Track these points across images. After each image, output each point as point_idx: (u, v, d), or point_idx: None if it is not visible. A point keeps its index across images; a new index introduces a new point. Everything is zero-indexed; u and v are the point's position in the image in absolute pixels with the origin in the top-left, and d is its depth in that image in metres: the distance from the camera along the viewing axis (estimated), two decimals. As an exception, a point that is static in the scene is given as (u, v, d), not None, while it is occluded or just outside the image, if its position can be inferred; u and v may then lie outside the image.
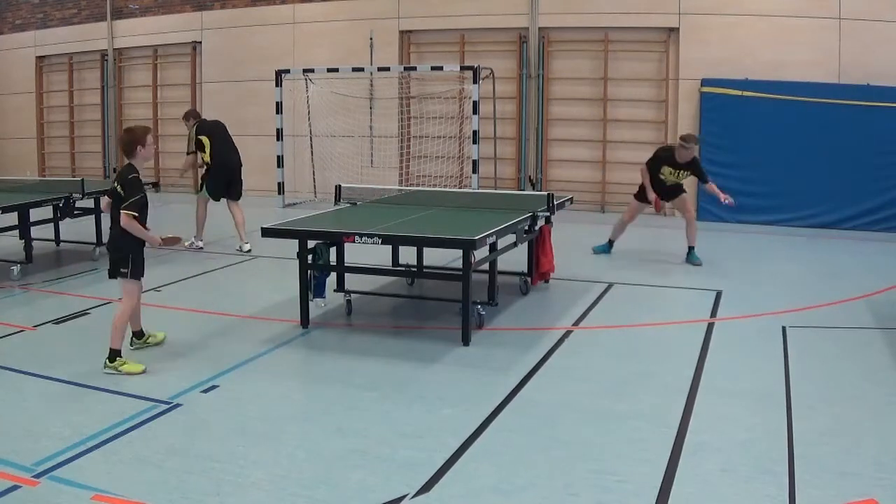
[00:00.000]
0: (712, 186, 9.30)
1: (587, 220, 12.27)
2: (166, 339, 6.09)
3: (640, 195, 9.43)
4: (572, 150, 13.59)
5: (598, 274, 8.57)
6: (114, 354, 5.41)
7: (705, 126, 12.50)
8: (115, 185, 5.58)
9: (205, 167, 10.33)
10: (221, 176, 10.18)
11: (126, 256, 5.63)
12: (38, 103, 17.69)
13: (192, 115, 10.51)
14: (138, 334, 5.94)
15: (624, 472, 3.95)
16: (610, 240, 9.71)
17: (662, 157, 9.21)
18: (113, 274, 5.77)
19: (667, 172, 9.18)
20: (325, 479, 3.89)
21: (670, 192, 9.39)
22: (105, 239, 9.43)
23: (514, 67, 13.80)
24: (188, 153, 10.42)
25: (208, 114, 15.04)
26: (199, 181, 10.82)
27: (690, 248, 9.31)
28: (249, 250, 9.95)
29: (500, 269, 7.03)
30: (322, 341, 6.29)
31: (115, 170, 16.97)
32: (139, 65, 16.74)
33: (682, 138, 9.07)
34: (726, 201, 9.14)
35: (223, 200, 10.36)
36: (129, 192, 5.52)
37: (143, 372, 5.40)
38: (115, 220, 5.60)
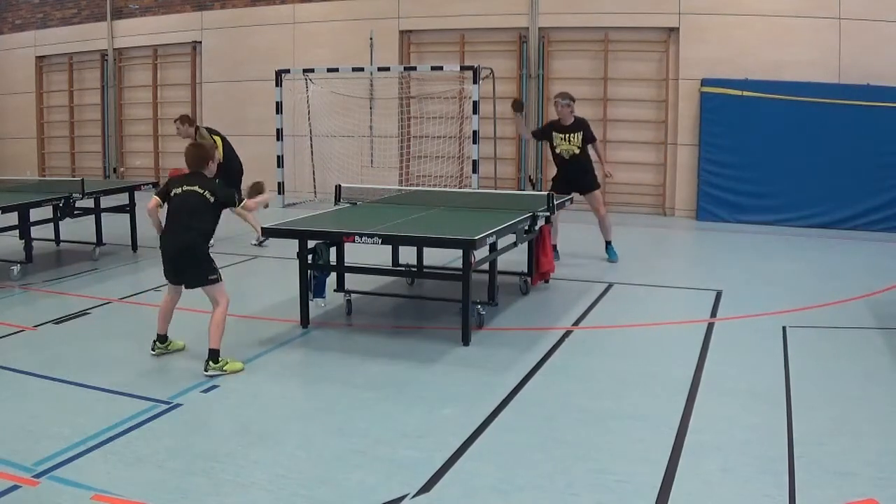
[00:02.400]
0: (598, 149, 9.24)
1: (587, 220, 12.25)
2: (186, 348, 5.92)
3: (557, 186, 9.00)
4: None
5: (598, 274, 8.57)
6: (216, 355, 5.39)
7: (705, 126, 12.50)
8: (204, 192, 5.48)
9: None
10: (233, 176, 10.32)
11: (210, 262, 5.53)
12: (38, 103, 17.69)
13: (191, 120, 10.55)
14: (162, 338, 5.80)
15: (624, 472, 3.95)
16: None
17: (550, 126, 9.16)
18: (198, 282, 5.54)
19: (559, 140, 8.98)
20: (325, 479, 3.89)
21: (575, 177, 9.00)
22: (104, 238, 9.55)
23: (514, 67, 13.80)
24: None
25: (208, 114, 15.12)
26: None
27: (608, 244, 9.23)
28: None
29: (500, 269, 7.03)
30: (322, 341, 6.29)
31: (114, 170, 17.00)
32: (139, 65, 16.73)
33: (557, 95, 9.05)
34: (607, 173, 9.20)
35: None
36: (226, 191, 5.65)
37: (243, 369, 5.44)
38: (191, 227, 5.46)
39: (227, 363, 5.41)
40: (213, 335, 5.41)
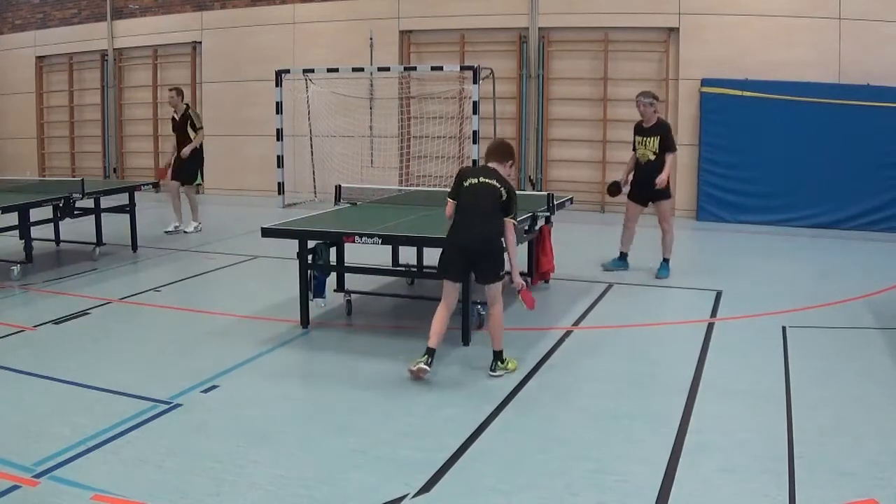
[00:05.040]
0: (670, 162, 8.30)
1: (587, 220, 12.27)
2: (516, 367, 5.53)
3: (632, 193, 8.64)
4: (572, 150, 13.58)
5: (598, 274, 8.57)
6: (501, 355, 5.37)
7: (705, 126, 12.50)
8: (501, 187, 5.32)
9: (189, 151, 11.02)
10: (202, 164, 11.30)
11: (503, 258, 5.42)
12: (38, 103, 17.68)
13: (184, 95, 11.22)
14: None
15: (624, 472, 3.95)
16: (622, 252, 8.83)
17: (635, 126, 8.53)
18: (492, 278, 5.36)
19: (638, 143, 8.45)
20: (325, 479, 3.89)
21: (648, 188, 8.35)
22: (104, 238, 9.55)
23: (514, 67, 13.80)
24: (200, 128, 11.10)
25: (208, 114, 15.12)
26: (189, 170, 11.06)
27: (664, 260, 8.56)
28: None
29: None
30: (322, 341, 6.29)
31: (114, 169, 17.00)
32: (139, 65, 16.73)
33: (639, 93, 8.39)
34: (660, 183, 8.21)
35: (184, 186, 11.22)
36: (516, 201, 5.41)
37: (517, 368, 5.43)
38: (490, 222, 5.31)
39: (509, 361, 5.42)
40: (497, 336, 5.37)
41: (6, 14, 17.96)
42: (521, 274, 7.65)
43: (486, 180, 5.34)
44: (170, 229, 10.95)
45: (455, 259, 5.37)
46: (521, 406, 4.88)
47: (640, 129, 8.47)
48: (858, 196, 11.66)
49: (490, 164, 5.48)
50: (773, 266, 9.20)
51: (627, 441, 4.35)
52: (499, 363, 5.38)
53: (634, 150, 8.55)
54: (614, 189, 8.69)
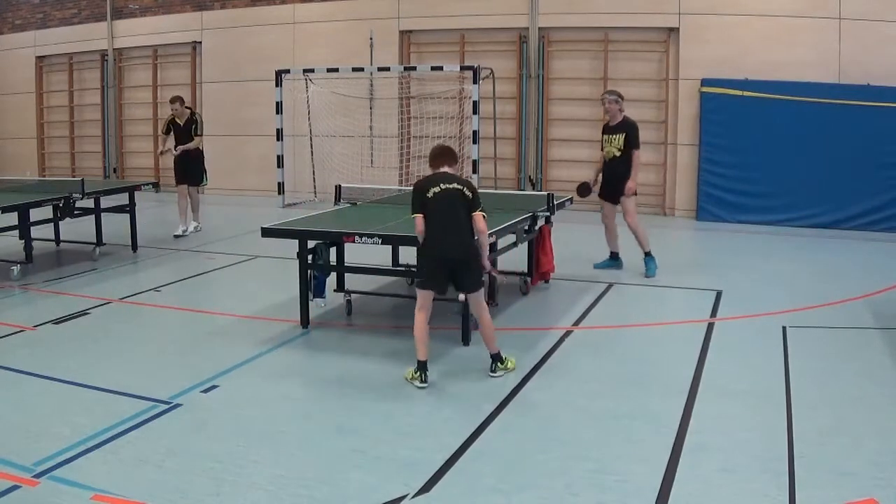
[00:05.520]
0: (635, 159, 8.36)
1: (587, 220, 12.26)
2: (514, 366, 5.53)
3: (602, 191, 8.66)
4: (572, 150, 13.57)
5: (598, 274, 8.57)
6: (499, 356, 5.38)
7: (705, 126, 12.50)
8: (462, 188, 5.28)
9: (181, 151, 10.95)
10: (203, 164, 11.26)
11: (480, 264, 5.37)
12: (38, 103, 17.68)
13: (184, 101, 11.01)
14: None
15: (624, 472, 3.95)
16: (612, 252, 8.85)
17: (603, 127, 8.63)
18: (475, 285, 5.38)
19: (605, 141, 8.56)
20: (325, 479, 3.90)
21: (613, 185, 8.47)
22: (104, 238, 9.55)
23: (514, 67, 13.80)
24: (198, 135, 10.99)
25: (208, 114, 15.13)
26: (196, 171, 11.02)
27: (645, 255, 8.52)
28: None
29: (500, 269, 7.02)
30: (322, 341, 6.29)
31: (114, 170, 17.00)
32: (139, 65, 16.73)
33: (604, 92, 8.50)
34: (626, 189, 8.31)
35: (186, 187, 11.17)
36: (478, 196, 5.37)
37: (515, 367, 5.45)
38: (462, 225, 5.28)
39: (509, 361, 5.44)
40: (491, 340, 5.37)
41: (6, 14, 17.96)
42: (522, 274, 7.76)
43: (449, 186, 5.28)
44: (178, 233, 10.81)
45: (437, 271, 5.32)
46: (521, 406, 4.88)
47: (606, 128, 8.64)
48: (858, 196, 11.66)
49: (442, 169, 5.43)
50: (773, 266, 9.20)
51: (627, 441, 4.35)
52: (498, 364, 5.39)
53: (602, 149, 8.69)
54: (584, 190, 8.70)
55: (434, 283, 5.34)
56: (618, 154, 8.44)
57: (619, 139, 8.43)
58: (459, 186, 5.30)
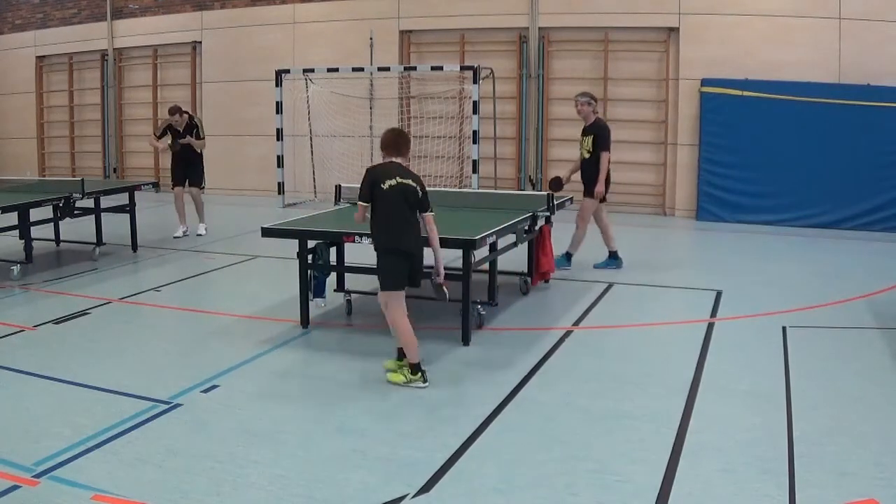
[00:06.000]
0: (603, 162, 8.37)
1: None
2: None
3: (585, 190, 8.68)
4: (572, 150, 13.46)
5: (598, 274, 8.57)
6: (416, 368, 5.18)
7: (705, 126, 12.50)
8: (416, 185, 5.17)
9: (192, 154, 10.93)
10: (202, 163, 11.23)
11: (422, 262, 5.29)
12: (38, 103, 17.68)
13: (181, 111, 10.89)
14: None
15: (624, 472, 3.95)
16: (610, 251, 8.84)
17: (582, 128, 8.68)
18: (419, 280, 5.32)
19: (580, 142, 8.65)
20: (325, 479, 3.89)
21: (584, 184, 8.61)
22: (104, 238, 9.55)
23: (514, 67, 13.80)
24: (202, 137, 10.96)
25: (208, 114, 15.15)
26: (198, 172, 10.99)
27: (568, 255, 8.69)
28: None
29: (500, 269, 7.03)
30: (322, 341, 6.29)
31: (114, 169, 17.00)
32: (139, 65, 16.74)
33: (577, 94, 8.57)
34: (596, 192, 8.38)
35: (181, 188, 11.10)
36: (427, 197, 5.25)
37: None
38: (414, 224, 5.20)
39: (420, 375, 5.20)
40: (409, 351, 5.22)
41: (6, 14, 17.96)
42: (522, 274, 7.76)
43: (404, 181, 5.13)
44: (178, 234, 10.75)
45: (403, 268, 5.19)
46: (522, 406, 4.88)
47: (583, 128, 8.71)
48: (858, 196, 11.66)
49: (395, 160, 5.26)
50: (773, 266, 9.20)
51: (627, 441, 4.34)
52: (409, 374, 5.16)
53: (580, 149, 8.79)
54: (555, 184, 8.70)
55: (402, 281, 5.23)
56: (587, 156, 8.58)
57: (588, 141, 8.57)
58: (414, 184, 5.19)
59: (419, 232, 5.26)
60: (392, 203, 5.11)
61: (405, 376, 5.18)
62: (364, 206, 5.19)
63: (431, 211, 5.30)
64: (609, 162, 8.54)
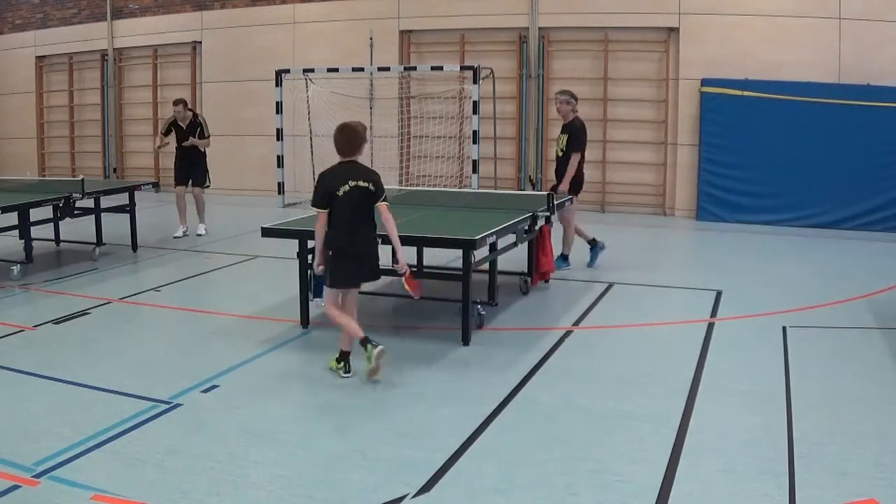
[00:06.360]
0: (572, 161, 8.37)
1: (587, 220, 12.23)
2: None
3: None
4: (572, 150, 13.56)
5: (598, 274, 8.57)
6: (341, 356, 5.39)
7: (705, 126, 12.50)
8: (368, 185, 5.22)
9: (195, 153, 10.91)
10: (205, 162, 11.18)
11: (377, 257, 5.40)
12: (38, 103, 17.68)
13: (186, 104, 10.92)
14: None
15: (624, 472, 3.95)
16: (588, 242, 8.85)
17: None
18: (378, 275, 5.52)
19: (558, 139, 8.64)
20: (325, 479, 3.89)
21: (557, 183, 8.63)
22: (104, 238, 9.55)
23: (514, 67, 13.80)
24: (207, 136, 10.95)
25: (208, 114, 15.10)
26: (202, 172, 10.96)
27: (563, 256, 8.67)
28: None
29: (500, 269, 7.03)
30: (322, 341, 6.29)
31: (114, 169, 17.01)
32: (139, 65, 16.74)
33: (557, 92, 8.63)
34: (560, 190, 8.34)
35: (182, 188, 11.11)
36: (383, 189, 5.33)
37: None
38: (368, 220, 5.30)
39: (345, 365, 5.38)
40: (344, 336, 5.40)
41: (6, 14, 17.96)
42: (522, 274, 7.75)
43: (358, 183, 5.20)
44: (178, 234, 10.74)
45: (354, 268, 5.34)
46: (522, 406, 4.88)
47: (561, 127, 8.73)
48: (858, 196, 11.66)
49: (347, 160, 5.31)
50: (773, 266, 9.20)
51: (627, 441, 4.34)
52: (344, 362, 5.34)
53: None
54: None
55: (351, 280, 5.39)
56: (560, 154, 8.60)
57: (563, 140, 8.58)
58: (366, 183, 5.23)
59: (374, 232, 5.37)
60: (347, 208, 5.20)
61: (333, 363, 5.37)
62: (323, 214, 5.26)
63: (385, 200, 5.35)
64: (581, 162, 8.54)
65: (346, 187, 5.18)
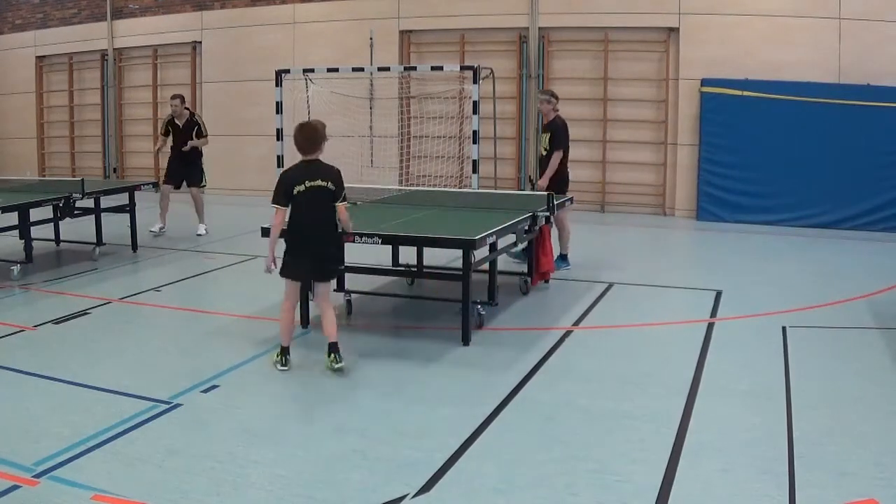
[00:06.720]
0: (553, 160, 8.43)
1: (587, 220, 12.26)
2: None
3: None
4: (572, 150, 13.32)
5: (598, 274, 8.57)
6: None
7: (705, 126, 12.49)
8: (326, 183, 5.33)
9: (192, 153, 10.95)
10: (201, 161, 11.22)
11: (343, 251, 5.51)
12: (38, 103, 17.67)
13: (185, 101, 10.98)
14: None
15: (624, 472, 3.95)
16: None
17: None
18: (332, 274, 5.64)
19: (540, 138, 8.71)
20: (325, 479, 3.89)
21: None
22: (104, 238, 9.55)
23: (514, 67, 13.80)
24: (205, 134, 10.99)
25: (208, 114, 15.12)
26: (197, 171, 10.98)
27: (562, 256, 8.68)
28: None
29: (500, 269, 7.03)
30: (322, 341, 6.26)
31: (114, 169, 17.00)
32: (139, 65, 16.73)
33: (538, 91, 8.63)
34: (539, 185, 8.48)
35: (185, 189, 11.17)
36: (342, 188, 5.44)
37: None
38: (328, 219, 5.41)
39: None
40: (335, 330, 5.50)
41: (6, 14, 17.96)
42: (521, 273, 7.75)
43: (316, 183, 5.31)
44: (154, 230, 10.73)
45: (305, 265, 5.46)
46: (522, 406, 4.88)
47: (543, 126, 8.81)
48: (858, 196, 11.65)
49: (308, 159, 5.40)
50: (773, 266, 9.20)
51: (627, 441, 4.34)
52: (336, 355, 5.42)
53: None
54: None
55: (300, 275, 5.52)
56: (543, 153, 8.69)
57: (545, 139, 8.66)
58: (324, 183, 5.33)
59: (334, 229, 5.47)
60: (303, 207, 5.32)
61: (274, 356, 5.52)
62: (281, 211, 5.36)
63: (344, 201, 5.46)
64: (562, 161, 8.57)
65: (302, 187, 5.31)
